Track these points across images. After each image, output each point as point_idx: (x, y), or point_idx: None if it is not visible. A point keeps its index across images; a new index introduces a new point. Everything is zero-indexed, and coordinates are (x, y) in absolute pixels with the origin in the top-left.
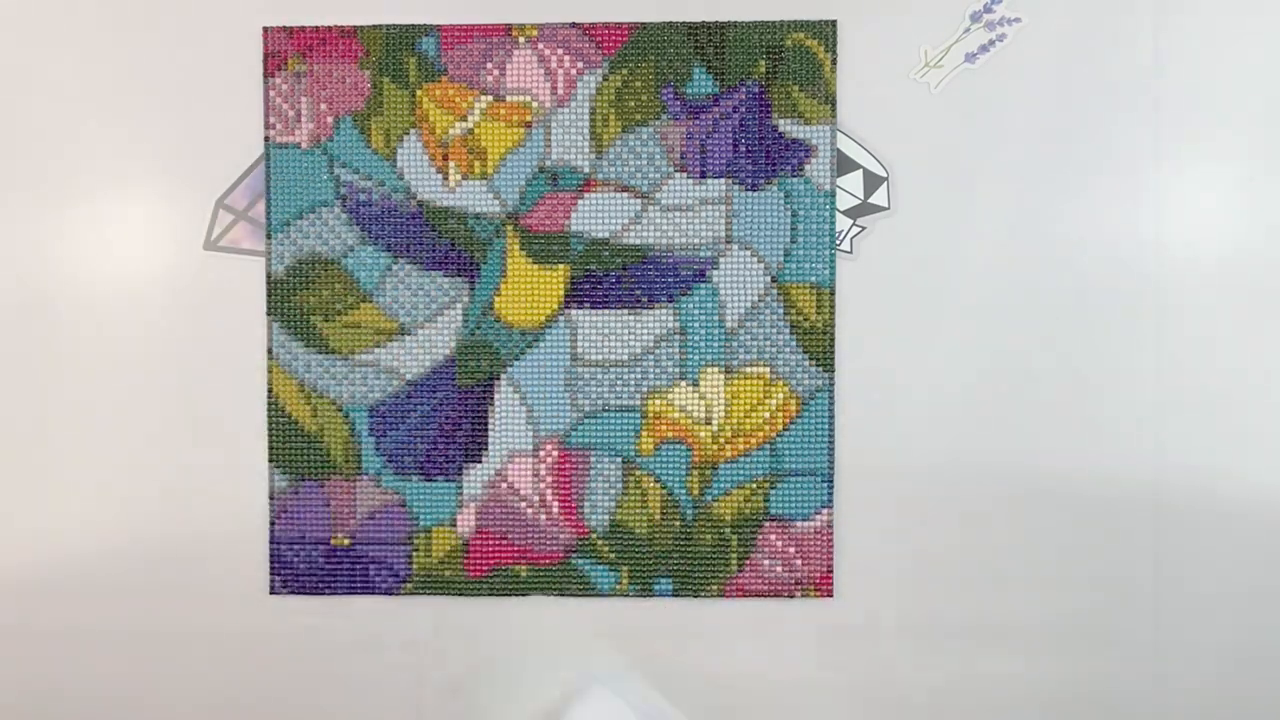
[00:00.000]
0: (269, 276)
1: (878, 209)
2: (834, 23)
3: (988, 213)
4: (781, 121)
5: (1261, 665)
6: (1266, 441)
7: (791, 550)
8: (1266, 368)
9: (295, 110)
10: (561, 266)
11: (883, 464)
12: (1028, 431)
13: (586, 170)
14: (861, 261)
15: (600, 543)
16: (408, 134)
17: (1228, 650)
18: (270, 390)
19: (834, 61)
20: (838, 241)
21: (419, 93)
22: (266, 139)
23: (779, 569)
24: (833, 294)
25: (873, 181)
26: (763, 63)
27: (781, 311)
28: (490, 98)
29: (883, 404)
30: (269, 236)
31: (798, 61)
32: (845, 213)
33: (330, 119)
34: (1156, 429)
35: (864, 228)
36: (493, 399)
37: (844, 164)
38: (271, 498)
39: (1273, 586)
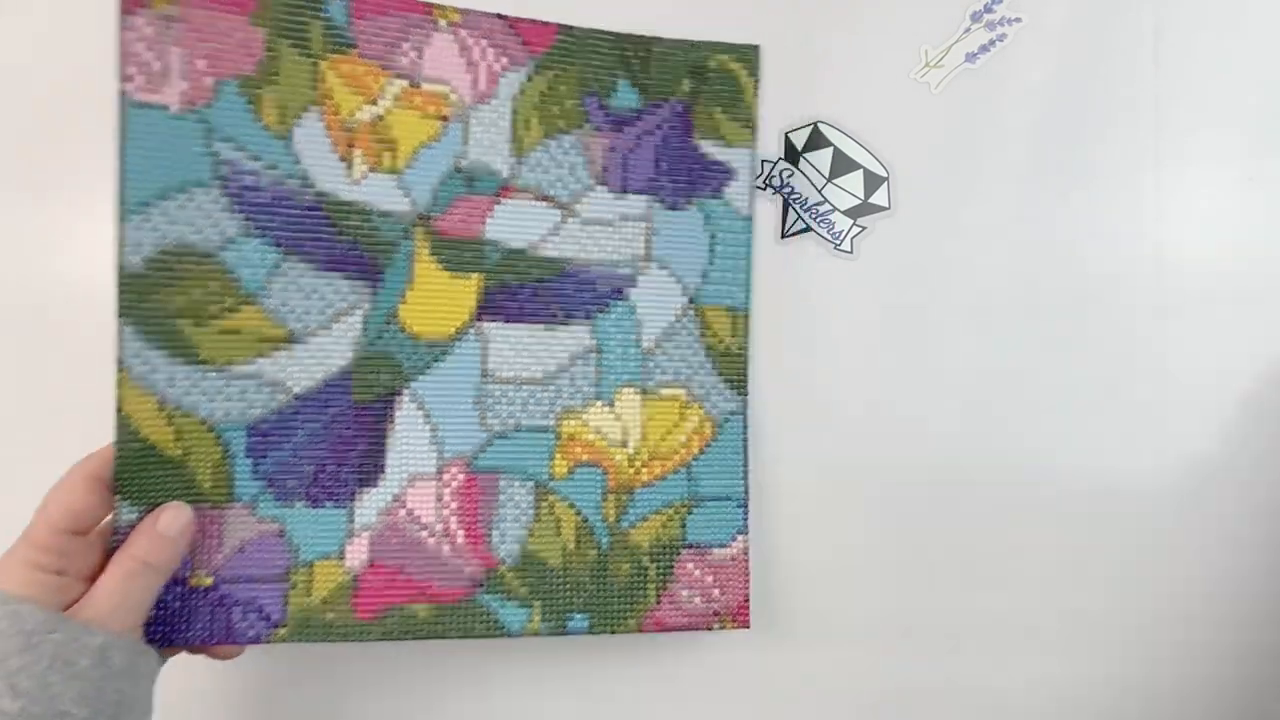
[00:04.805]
0: (121, 269)
1: (878, 209)
2: (757, 47)
3: (988, 212)
4: (703, 142)
5: (1262, 665)
6: (1267, 441)
7: (709, 579)
8: (1267, 368)
9: (162, 63)
10: (474, 275)
11: (883, 464)
12: (1028, 431)
13: (505, 174)
14: (862, 261)
15: (510, 575)
16: (307, 111)
17: (1227, 650)
18: (120, 409)
19: (756, 85)
20: (838, 241)
21: (323, 64)
22: (122, 93)
23: (697, 600)
24: (747, 318)
25: (873, 181)
26: (687, 81)
27: (698, 334)
28: (405, 82)
29: (883, 404)
30: (122, 220)
31: (720, 83)
32: (845, 213)
33: (209, 80)
34: (1156, 429)
35: (864, 228)
36: (393, 416)
37: (844, 164)
38: (115, 533)
39: (1273, 587)
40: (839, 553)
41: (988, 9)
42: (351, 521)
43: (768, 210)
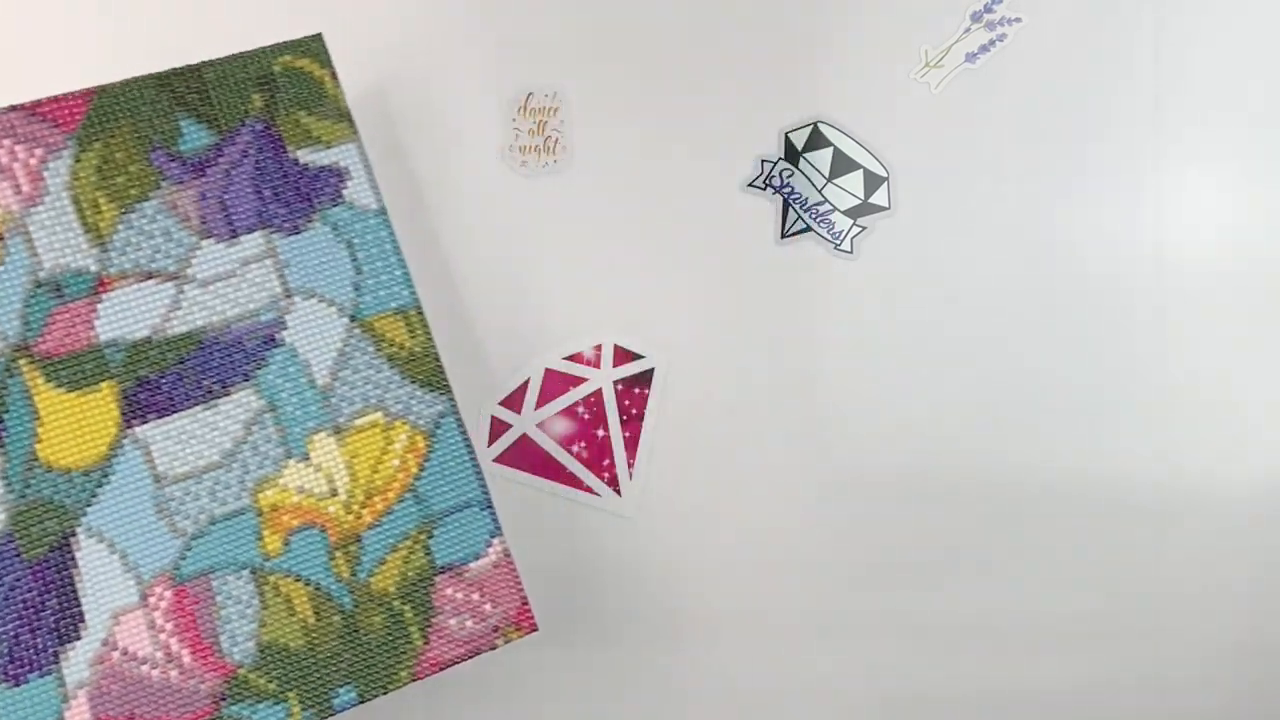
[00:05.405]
0: None
1: (878, 209)
2: (318, 35)
3: (988, 212)
4: (300, 153)
5: (1262, 665)
6: (1267, 441)
7: (476, 597)
8: (1267, 368)
9: None
10: (105, 384)
11: (883, 464)
12: (1028, 431)
13: (94, 269)
14: (862, 261)
15: (253, 676)
16: None
17: (1228, 650)
18: None
19: (334, 75)
20: (838, 241)
21: None
22: None
23: (469, 623)
24: (420, 313)
25: (873, 181)
26: (257, 96)
27: (373, 350)
28: None
29: (883, 403)
30: None
31: (294, 85)
32: (845, 213)
33: None
34: (1157, 429)
35: (864, 228)
36: (75, 560)
37: (844, 164)
38: None
39: (1273, 586)
40: (839, 552)
41: (988, 9)
42: (63, 685)
43: (768, 210)
